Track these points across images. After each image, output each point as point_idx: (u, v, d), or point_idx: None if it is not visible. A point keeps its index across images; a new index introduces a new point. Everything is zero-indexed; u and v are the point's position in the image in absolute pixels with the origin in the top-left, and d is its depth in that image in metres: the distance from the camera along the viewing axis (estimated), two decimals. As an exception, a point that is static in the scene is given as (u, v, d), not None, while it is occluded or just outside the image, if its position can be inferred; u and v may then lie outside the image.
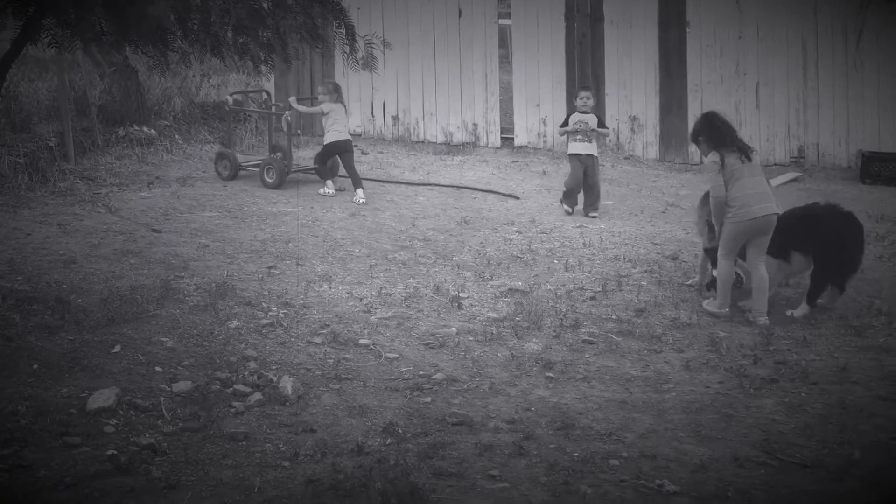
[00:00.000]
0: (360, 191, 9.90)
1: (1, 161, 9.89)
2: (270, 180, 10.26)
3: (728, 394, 5.59)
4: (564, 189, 9.86)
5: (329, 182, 10.20)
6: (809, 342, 6.40)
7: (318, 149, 11.30)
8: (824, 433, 5.10)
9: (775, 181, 8.92)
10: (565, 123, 9.93)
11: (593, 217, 9.56)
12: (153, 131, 11.87)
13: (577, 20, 12.37)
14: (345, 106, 10.45)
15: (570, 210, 9.73)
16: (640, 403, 5.44)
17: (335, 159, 10.44)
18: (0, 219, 8.60)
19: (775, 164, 11.71)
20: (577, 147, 9.76)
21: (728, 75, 12.01)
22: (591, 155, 9.78)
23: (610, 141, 12.40)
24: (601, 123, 9.95)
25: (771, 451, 4.88)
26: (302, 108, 10.60)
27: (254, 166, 10.62)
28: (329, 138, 10.16)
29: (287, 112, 10.47)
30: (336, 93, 10.30)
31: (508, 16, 12.78)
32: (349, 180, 10.10)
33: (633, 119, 12.29)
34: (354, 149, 10.56)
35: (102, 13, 5.48)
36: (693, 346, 6.33)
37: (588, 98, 9.88)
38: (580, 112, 9.85)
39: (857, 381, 5.78)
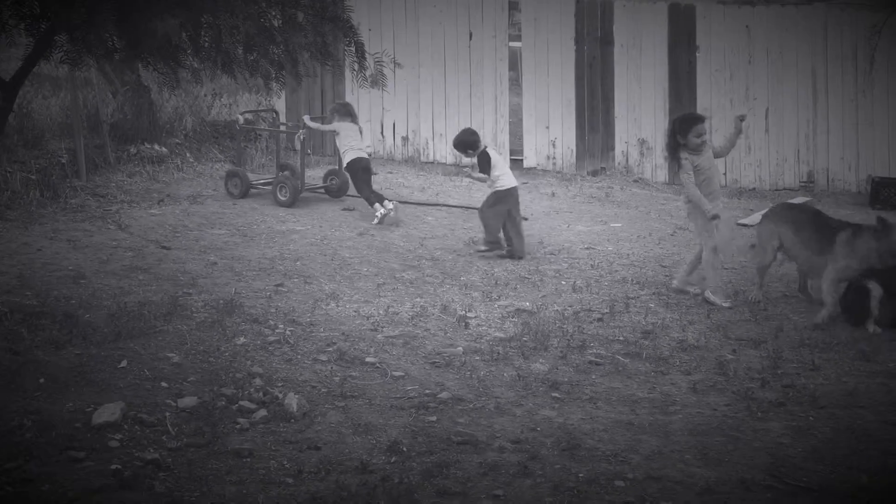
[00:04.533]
0: (386, 203, 9.76)
1: (13, 177, 9.96)
2: (284, 198, 10.29)
3: (735, 417, 5.56)
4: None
5: (385, 202, 9.75)
6: (818, 366, 6.36)
7: (326, 168, 11.35)
8: (832, 457, 5.06)
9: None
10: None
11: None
12: (164, 149, 11.94)
13: (587, 43, 12.41)
14: (359, 126, 10.40)
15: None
16: (646, 425, 5.41)
17: (345, 177, 10.46)
18: (11, 234, 8.65)
19: (785, 189, 11.70)
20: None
21: (738, 99, 12.02)
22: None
23: (619, 164, 12.40)
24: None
25: (778, 475, 4.84)
26: (314, 125, 10.60)
27: (265, 184, 10.65)
28: (348, 157, 10.09)
29: (301, 130, 10.50)
30: (342, 112, 10.28)
31: (519, 38, 12.84)
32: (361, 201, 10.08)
33: (643, 142, 12.30)
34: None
35: (114, 30, 5.53)
36: (700, 368, 6.30)
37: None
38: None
39: (865, 406, 5.73)
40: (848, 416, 5.58)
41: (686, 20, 12.12)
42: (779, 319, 7.23)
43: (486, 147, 9.15)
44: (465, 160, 10.13)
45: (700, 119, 7.77)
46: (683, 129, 7.57)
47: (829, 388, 5.99)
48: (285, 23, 5.86)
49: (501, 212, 8.85)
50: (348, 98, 12.95)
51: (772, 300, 7.66)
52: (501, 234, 8.87)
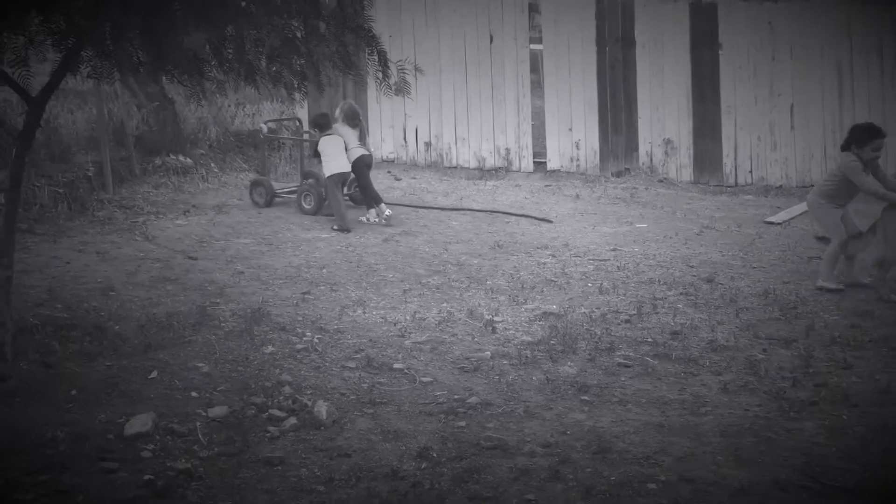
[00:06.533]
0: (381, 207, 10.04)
1: (41, 191, 10.06)
2: (308, 206, 10.33)
3: (767, 417, 5.51)
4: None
5: (372, 211, 10.08)
6: (850, 364, 6.30)
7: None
8: (866, 456, 5.01)
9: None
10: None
11: None
12: (189, 160, 12.02)
13: (609, 44, 12.38)
14: (357, 129, 10.23)
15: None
16: (677, 427, 5.38)
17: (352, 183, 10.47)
18: (40, 248, 8.73)
19: (811, 185, 11.58)
20: None
21: (762, 96, 11.95)
22: None
23: (643, 164, 12.36)
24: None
25: (812, 475, 4.80)
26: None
27: (290, 193, 10.69)
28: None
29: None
30: (339, 117, 10.24)
31: (540, 41, 12.84)
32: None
33: (667, 142, 12.25)
34: (388, 174, 10.57)
35: (140, 44, 5.58)
36: (731, 368, 6.26)
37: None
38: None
39: (899, 404, 5.67)
40: (881, 414, 5.52)
41: (708, 18, 12.06)
42: (809, 317, 7.17)
43: (326, 134, 10.04)
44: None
45: (881, 134, 7.68)
46: (862, 140, 7.59)
47: (862, 387, 5.93)
48: (308, 33, 5.88)
49: (337, 192, 9.90)
50: (371, 105, 13.00)
51: (801, 298, 7.60)
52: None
